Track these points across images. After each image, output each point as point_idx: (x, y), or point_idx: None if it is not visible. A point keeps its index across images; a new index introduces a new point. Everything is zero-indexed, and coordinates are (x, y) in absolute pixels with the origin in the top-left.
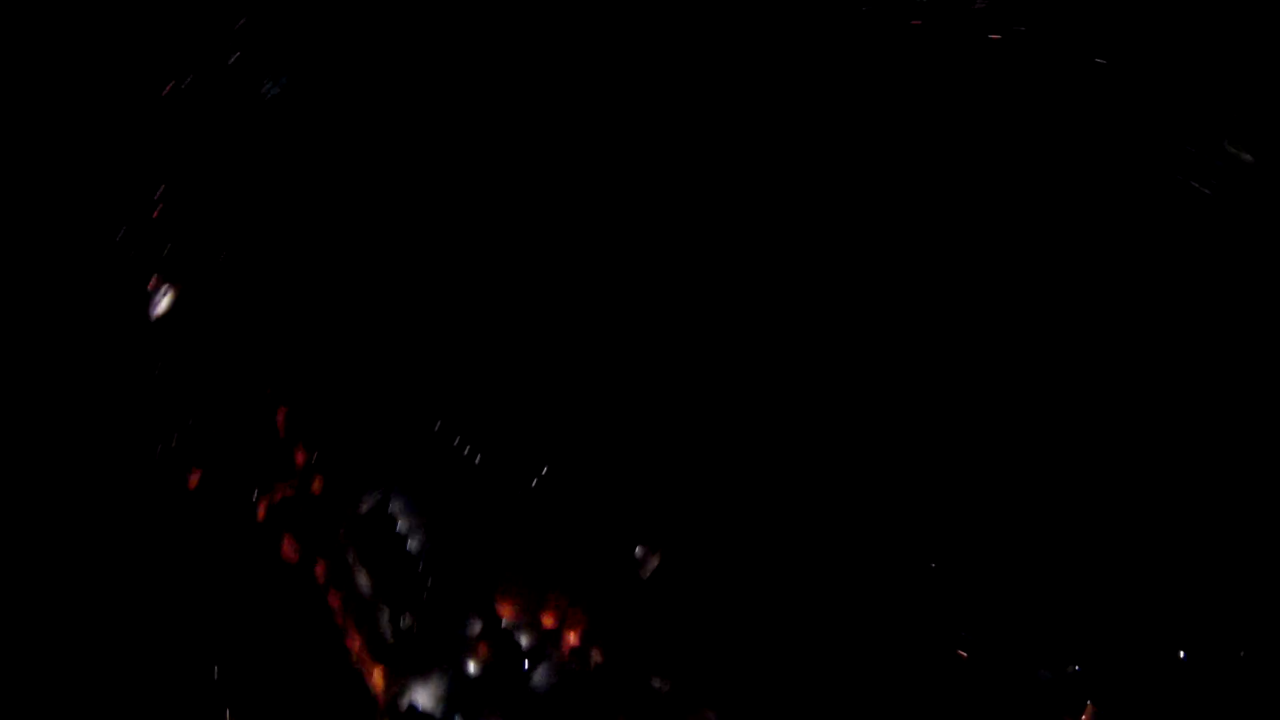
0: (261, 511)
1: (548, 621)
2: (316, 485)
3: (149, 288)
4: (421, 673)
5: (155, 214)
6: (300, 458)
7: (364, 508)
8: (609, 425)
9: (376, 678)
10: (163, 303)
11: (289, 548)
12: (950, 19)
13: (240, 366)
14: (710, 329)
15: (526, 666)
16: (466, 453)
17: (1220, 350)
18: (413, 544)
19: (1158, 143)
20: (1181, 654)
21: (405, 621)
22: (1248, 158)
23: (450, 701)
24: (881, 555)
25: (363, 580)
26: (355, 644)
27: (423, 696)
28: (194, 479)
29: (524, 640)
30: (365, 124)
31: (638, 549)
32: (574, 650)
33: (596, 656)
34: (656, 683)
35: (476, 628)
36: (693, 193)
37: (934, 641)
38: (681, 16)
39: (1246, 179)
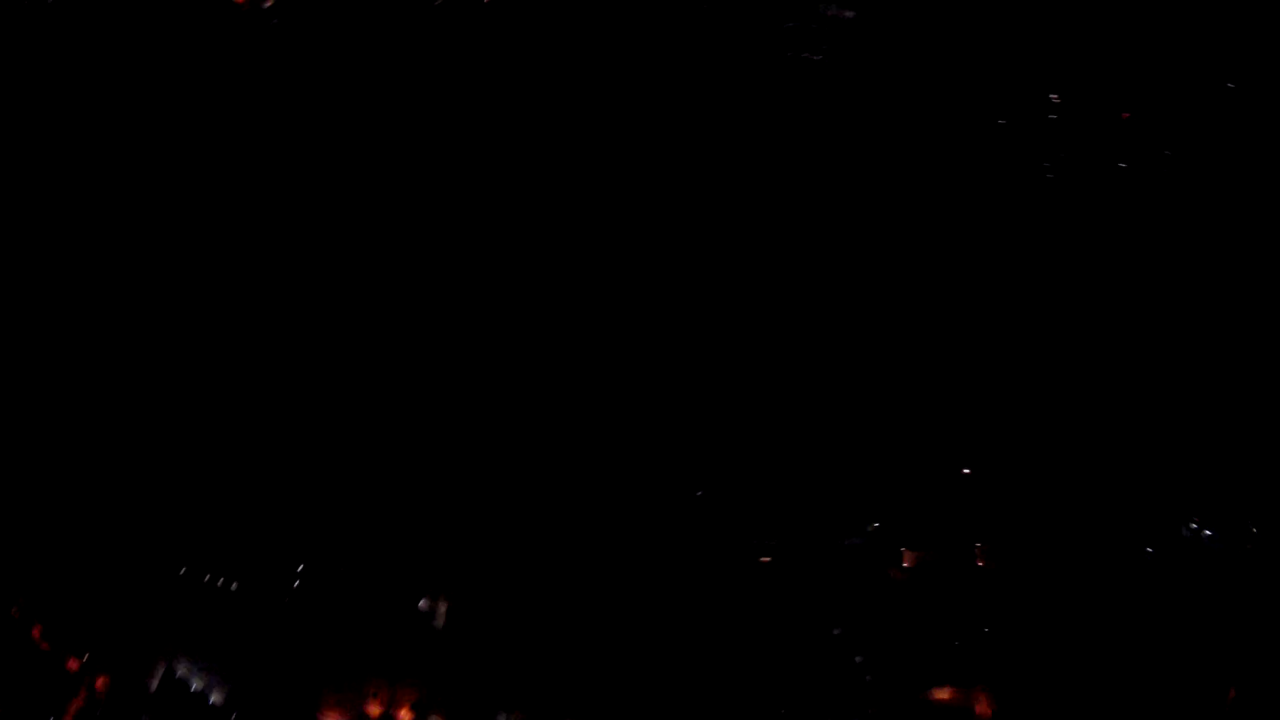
0: None
1: (375, 710)
2: (100, 684)
3: None
4: None
5: None
6: (74, 664)
7: (154, 684)
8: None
9: None
10: None
11: None
12: None
13: None
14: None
15: None
16: (221, 584)
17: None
18: (216, 698)
19: (757, 27)
20: (966, 470)
21: None
22: (849, 14)
23: None
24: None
25: None
26: None
27: None
28: None
29: None
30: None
31: (421, 602)
32: None
33: (438, 718)
34: (503, 716)
35: None
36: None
37: (736, 560)
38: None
39: (854, 35)
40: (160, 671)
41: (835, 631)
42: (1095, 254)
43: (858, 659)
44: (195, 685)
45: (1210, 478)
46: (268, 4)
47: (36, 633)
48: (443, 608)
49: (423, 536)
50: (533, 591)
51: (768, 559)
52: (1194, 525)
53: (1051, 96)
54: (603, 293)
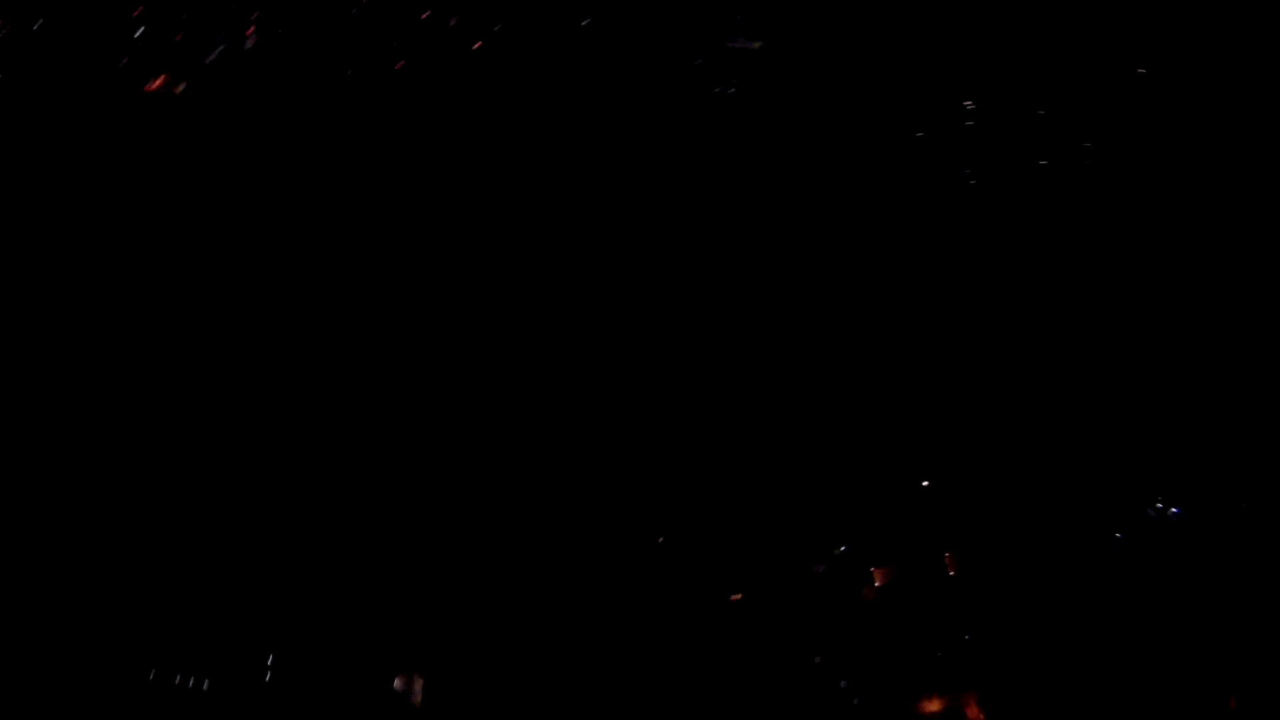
0: None
1: None
2: None
3: None
4: None
5: None
6: None
7: None
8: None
9: None
10: None
11: None
12: None
13: None
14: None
15: None
16: (191, 684)
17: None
18: None
19: (667, 67)
20: (925, 483)
21: None
22: (756, 45)
23: None
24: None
25: None
26: None
27: None
28: None
29: None
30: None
31: (395, 681)
32: None
33: None
34: None
35: None
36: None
37: (707, 604)
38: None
39: (763, 66)
40: None
41: (816, 659)
42: (1028, 249)
43: (842, 683)
44: None
45: (1164, 452)
46: (179, 90)
47: None
48: (419, 684)
49: (391, 610)
50: (507, 656)
51: (739, 596)
52: (1159, 505)
53: (966, 103)
54: (522, 335)
